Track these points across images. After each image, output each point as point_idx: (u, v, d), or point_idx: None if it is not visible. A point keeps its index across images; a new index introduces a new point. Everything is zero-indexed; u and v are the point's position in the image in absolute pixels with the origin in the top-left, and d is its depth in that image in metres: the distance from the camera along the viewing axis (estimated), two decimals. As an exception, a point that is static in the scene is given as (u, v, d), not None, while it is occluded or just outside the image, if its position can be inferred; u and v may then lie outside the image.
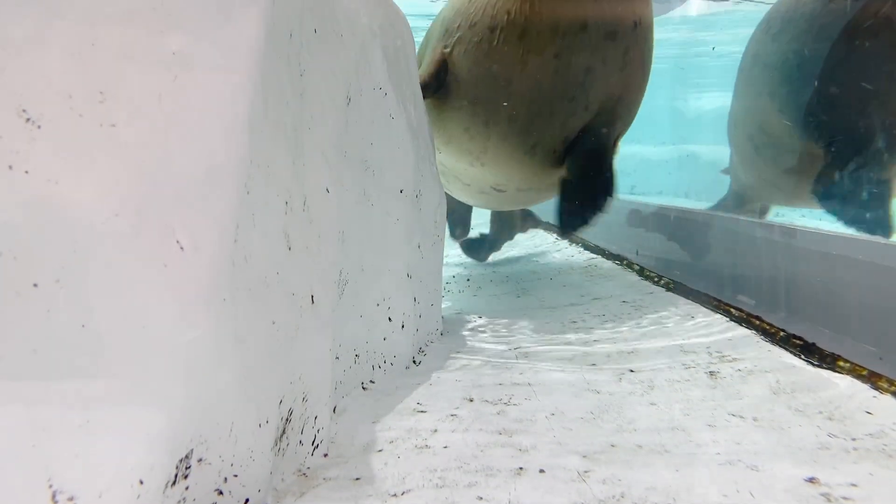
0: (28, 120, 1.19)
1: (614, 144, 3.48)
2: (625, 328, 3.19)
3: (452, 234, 5.49)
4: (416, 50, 3.18)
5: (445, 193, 3.21)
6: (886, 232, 3.97)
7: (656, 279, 4.22)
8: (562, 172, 3.47)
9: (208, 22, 1.39)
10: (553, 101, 3.20)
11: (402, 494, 1.64)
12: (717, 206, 5.93)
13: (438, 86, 3.43)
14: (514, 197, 4.01)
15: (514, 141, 3.36)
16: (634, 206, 5.02)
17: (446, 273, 4.27)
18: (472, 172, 3.72)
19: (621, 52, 3.16)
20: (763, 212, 5.76)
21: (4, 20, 1.20)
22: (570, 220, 3.50)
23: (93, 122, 1.24)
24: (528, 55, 3.09)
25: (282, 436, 1.65)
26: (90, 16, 1.27)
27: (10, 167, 1.16)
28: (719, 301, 3.46)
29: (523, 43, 3.07)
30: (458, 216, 5.38)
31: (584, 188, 3.42)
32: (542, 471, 1.75)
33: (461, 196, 4.47)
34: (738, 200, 5.66)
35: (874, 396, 2.15)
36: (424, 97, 3.21)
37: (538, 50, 3.07)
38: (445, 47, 3.42)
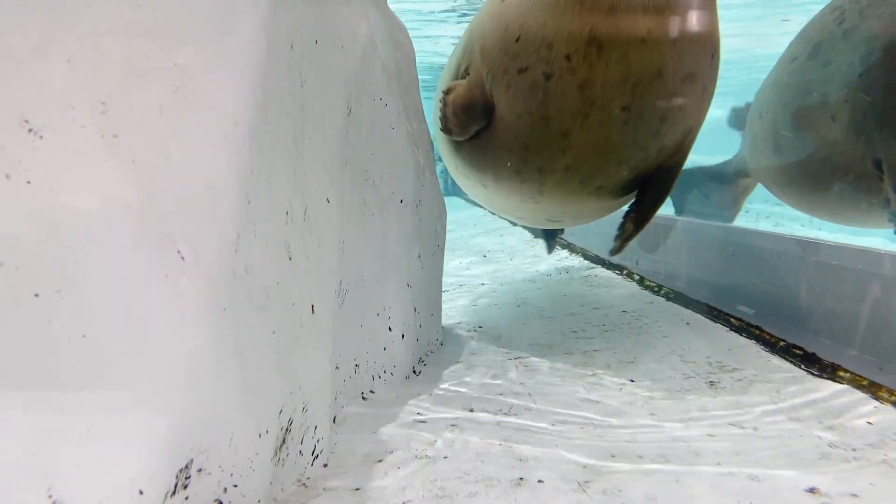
0: (30, 130, 1.19)
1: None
2: (625, 338, 3.19)
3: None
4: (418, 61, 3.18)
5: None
6: None
7: (656, 289, 4.22)
8: (627, 201, 3.17)
9: (209, 33, 1.40)
10: (621, 152, 2.76)
11: (402, 505, 1.64)
12: (725, 164, 5.48)
13: (477, 125, 2.99)
14: (568, 224, 3.77)
15: (575, 186, 2.95)
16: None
17: (446, 283, 4.27)
18: (526, 207, 3.37)
19: (699, 90, 2.74)
20: (745, 190, 5.36)
21: (8, 31, 1.21)
22: (625, 244, 3.16)
23: (95, 133, 1.24)
24: (592, 108, 2.62)
25: (282, 446, 1.65)
26: (93, 28, 1.28)
27: (12, 177, 1.17)
28: (719, 311, 3.46)
29: (585, 94, 2.59)
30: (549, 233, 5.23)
31: (649, 216, 3.07)
32: (542, 481, 1.75)
33: (510, 218, 4.16)
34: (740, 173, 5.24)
35: (874, 406, 2.15)
36: (455, 136, 2.98)
37: (604, 103, 2.59)
38: (480, 73, 2.93)
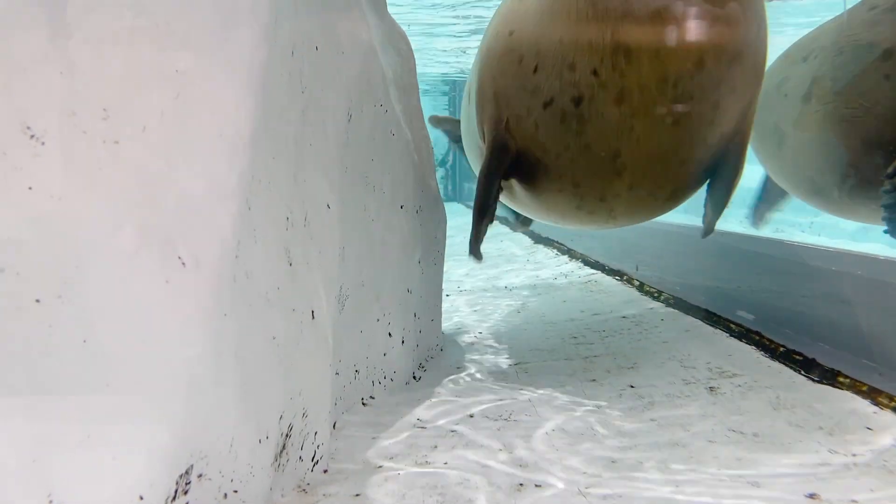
0: (32, 136, 1.20)
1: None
2: (625, 343, 3.19)
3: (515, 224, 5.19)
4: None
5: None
6: None
7: (656, 294, 4.22)
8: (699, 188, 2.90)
9: (210, 40, 1.41)
10: (681, 153, 2.49)
11: (402, 511, 1.64)
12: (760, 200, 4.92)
13: (506, 173, 2.79)
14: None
15: (645, 199, 2.66)
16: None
17: (446, 288, 4.27)
18: (608, 226, 3.07)
19: (749, 66, 2.42)
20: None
21: (10, 38, 1.21)
22: (712, 228, 2.89)
23: (96, 139, 1.25)
24: (635, 119, 2.34)
25: (282, 451, 1.65)
26: (94, 34, 1.29)
27: (14, 182, 1.17)
28: (719, 316, 3.47)
29: (624, 107, 2.31)
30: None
31: (727, 198, 2.77)
32: (543, 487, 1.75)
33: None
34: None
35: (874, 412, 2.15)
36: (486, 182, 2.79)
37: (647, 109, 2.31)
38: (500, 121, 2.67)
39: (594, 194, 2.65)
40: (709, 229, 2.86)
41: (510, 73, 2.58)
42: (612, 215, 2.81)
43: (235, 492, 1.42)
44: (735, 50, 2.33)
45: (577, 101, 2.37)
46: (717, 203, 2.77)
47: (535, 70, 2.45)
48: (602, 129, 2.40)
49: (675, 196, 2.75)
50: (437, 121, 4.89)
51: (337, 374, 2.17)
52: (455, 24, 10.32)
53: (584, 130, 2.42)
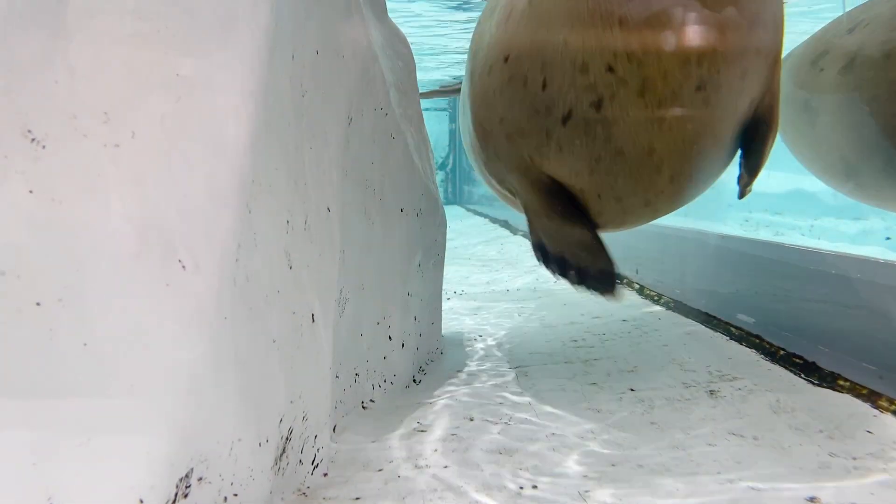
0: (33, 140, 1.20)
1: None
2: (625, 347, 3.19)
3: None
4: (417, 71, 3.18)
5: None
6: None
7: (656, 298, 4.22)
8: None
9: (211, 44, 1.41)
10: (716, 129, 2.31)
11: (402, 514, 1.64)
12: None
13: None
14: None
15: (691, 180, 2.50)
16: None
17: (446, 291, 4.27)
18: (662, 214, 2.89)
19: (770, 23, 2.25)
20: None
21: (11, 41, 1.21)
22: (748, 191, 2.68)
23: (97, 143, 1.25)
24: (661, 108, 2.17)
25: (282, 455, 1.65)
26: (95, 38, 1.29)
27: (14, 186, 1.17)
28: (719, 320, 3.47)
29: (649, 97, 2.13)
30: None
31: (763, 160, 2.59)
32: (543, 490, 1.75)
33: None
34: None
35: (874, 415, 2.15)
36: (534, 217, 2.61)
37: (672, 96, 2.14)
38: (522, 159, 2.47)
39: (638, 201, 2.47)
40: (745, 191, 2.66)
41: (517, 100, 2.37)
42: (657, 209, 2.63)
43: (235, 495, 1.42)
44: (754, 13, 2.16)
45: (598, 104, 2.18)
46: (754, 165, 2.57)
47: (544, 86, 2.26)
48: (631, 128, 2.21)
49: (718, 165, 2.56)
50: None
51: (337, 377, 2.17)
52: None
53: (612, 135, 2.23)
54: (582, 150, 2.29)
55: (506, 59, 2.38)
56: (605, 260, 2.57)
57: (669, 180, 2.38)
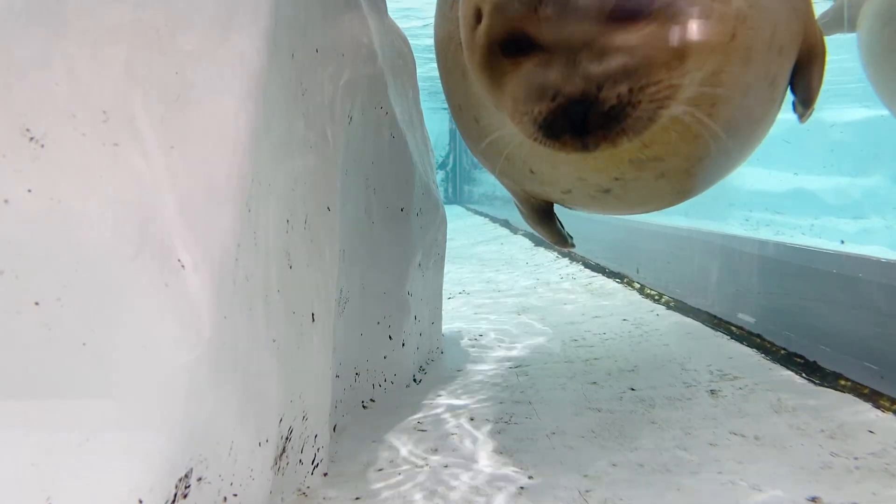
0: (32, 139, 1.20)
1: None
2: (625, 346, 3.18)
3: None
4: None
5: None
6: None
7: (657, 297, 4.22)
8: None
9: (210, 43, 1.41)
10: (751, 91, 1.86)
11: (403, 514, 1.64)
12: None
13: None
14: None
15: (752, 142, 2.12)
16: (635, 224, 5.03)
17: (446, 291, 4.27)
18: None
19: None
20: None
21: (10, 41, 1.21)
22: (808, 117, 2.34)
23: (95, 142, 1.25)
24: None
25: (282, 455, 1.65)
26: (94, 37, 1.29)
27: (13, 185, 1.17)
28: (720, 319, 3.46)
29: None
30: None
31: (815, 95, 2.20)
32: (543, 490, 1.74)
33: None
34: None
35: (876, 415, 2.15)
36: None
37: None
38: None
39: (709, 175, 2.13)
40: (803, 118, 2.36)
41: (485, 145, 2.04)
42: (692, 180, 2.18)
43: (235, 495, 1.42)
44: None
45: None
46: (806, 103, 2.29)
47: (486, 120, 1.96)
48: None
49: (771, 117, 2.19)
50: None
51: (337, 376, 2.17)
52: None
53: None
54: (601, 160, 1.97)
55: (466, 80, 2.07)
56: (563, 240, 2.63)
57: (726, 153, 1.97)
